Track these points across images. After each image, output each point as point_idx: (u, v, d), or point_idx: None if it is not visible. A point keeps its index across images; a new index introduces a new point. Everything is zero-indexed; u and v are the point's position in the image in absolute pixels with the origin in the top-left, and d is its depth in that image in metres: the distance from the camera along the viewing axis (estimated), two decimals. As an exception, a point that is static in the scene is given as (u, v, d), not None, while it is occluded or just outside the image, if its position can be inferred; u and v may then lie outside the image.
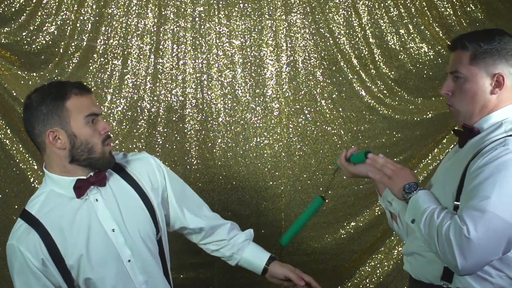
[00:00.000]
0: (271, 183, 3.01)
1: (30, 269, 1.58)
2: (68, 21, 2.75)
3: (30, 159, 2.72)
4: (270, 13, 2.94)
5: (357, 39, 3.02)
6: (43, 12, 2.72)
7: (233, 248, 1.93)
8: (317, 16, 2.98)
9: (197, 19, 2.88)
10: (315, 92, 3.01)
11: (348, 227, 3.13)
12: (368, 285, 3.11)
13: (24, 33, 2.69)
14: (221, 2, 2.90)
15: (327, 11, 2.99)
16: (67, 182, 1.63)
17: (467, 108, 1.59)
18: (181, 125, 2.90)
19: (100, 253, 1.63)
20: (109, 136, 1.65)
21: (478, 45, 1.56)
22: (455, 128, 1.73)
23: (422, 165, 3.08)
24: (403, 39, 3.03)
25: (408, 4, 3.02)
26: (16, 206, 2.73)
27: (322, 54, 3.00)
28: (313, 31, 2.99)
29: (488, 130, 1.58)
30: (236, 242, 1.94)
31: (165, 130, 2.89)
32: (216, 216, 1.98)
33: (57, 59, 2.75)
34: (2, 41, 2.67)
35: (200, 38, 2.89)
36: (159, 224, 1.79)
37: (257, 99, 2.96)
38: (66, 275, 1.61)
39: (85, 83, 1.69)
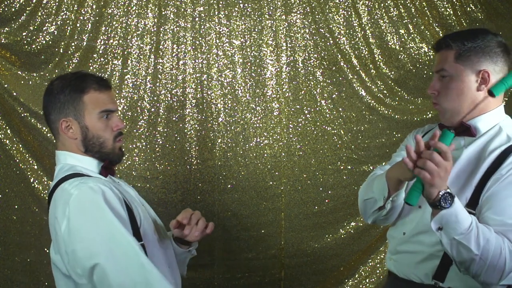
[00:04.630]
0: (271, 183, 3.01)
1: (119, 203, 1.52)
2: (68, 21, 2.75)
3: (30, 159, 2.72)
4: (270, 13, 2.94)
5: (357, 39, 3.02)
6: (43, 12, 2.72)
7: None
8: (317, 16, 2.98)
9: (197, 19, 2.88)
10: (315, 92, 3.01)
11: (348, 227, 3.13)
12: (368, 285, 3.11)
13: (24, 33, 2.69)
14: (221, 2, 2.90)
15: (327, 11, 2.99)
16: (94, 162, 1.65)
17: (453, 105, 1.61)
18: (181, 125, 2.90)
19: (142, 218, 1.65)
20: (121, 133, 1.68)
21: (462, 43, 1.58)
22: (441, 123, 1.72)
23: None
24: (403, 39, 3.03)
25: (408, 4, 3.02)
26: (16, 206, 2.73)
27: (322, 54, 3.00)
28: (313, 31, 2.99)
29: (488, 134, 1.60)
30: None
31: (165, 130, 2.89)
32: None
33: (57, 59, 2.75)
34: (2, 41, 2.67)
35: (200, 38, 2.89)
36: None
37: (257, 99, 2.96)
38: (135, 225, 1.58)
39: (106, 78, 1.72)
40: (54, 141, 2.71)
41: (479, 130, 1.61)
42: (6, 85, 2.67)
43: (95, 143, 1.62)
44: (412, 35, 3.03)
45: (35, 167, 2.73)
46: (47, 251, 2.72)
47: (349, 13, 3.00)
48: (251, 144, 2.97)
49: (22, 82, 2.71)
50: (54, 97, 1.62)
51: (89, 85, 1.62)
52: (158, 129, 2.88)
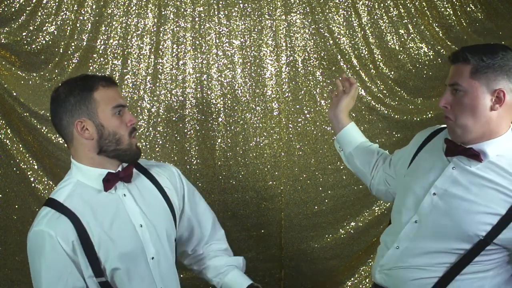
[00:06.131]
0: (270, 183, 3.01)
1: (59, 254, 1.55)
2: (68, 21, 2.75)
3: (30, 159, 2.72)
4: (270, 13, 2.94)
5: (357, 39, 3.02)
6: (43, 12, 2.72)
7: (215, 271, 1.91)
8: (317, 16, 2.98)
9: (197, 19, 2.88)
10: (314, 92, 3.01)
11: (348, 227, 3.13)
12: (368, 285, 3.12)
13: (24, 33, 2.69)
14: (221, 2, 2.90)
15: (327, 11, 2.99)
16: (96, 174, 1.64)
17: (466, 122, 1.55)
18: (181, 125, 2.90)
19: (127, 245, 1.63)
20: (135, 129, 1.68)
21: (480, 59, 1.52)
22: (447, 138, 1.69)
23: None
24: (403, 39, 3.04)
25: (408, 4, 3.02)
26: (16, 206, 2.73)
27: (322, 54, 3.00)
28: (313, 31, 2.99)
29: (504, 159, 1.56)
30: (218, 264, 1.91)
31: (165, 130, 2.89)
32: (220, 239, 1.99)
33: (57, 59, 2.75)
34: (2, 41, 2.67)
35: (200, 38, 2.89)
36: (177, 227, 1.83)
37: (257, 99, 2.96)
38: (94, 262, 1.59)
39: (110, 76, 1.74)
40: (54, 141, 2.73)
41: (487, 155, 1.57)
42: (6, 85, 2.67)
43: (111, 141, 1.62)
44: (412, 35, 3.03)
45: (35, 167, 2.74)
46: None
47: (349, 13, 3.00)
48: (251, 144, 2.98)
49: (22, 82, 2.71)
50: (64, 102, 1.61)
51: (96, 82, 1.62)
52: (158, 129, 2.89)
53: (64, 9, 2.74)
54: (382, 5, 3.01)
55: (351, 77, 2.09)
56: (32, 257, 1.59)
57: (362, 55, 3.03)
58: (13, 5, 2.68)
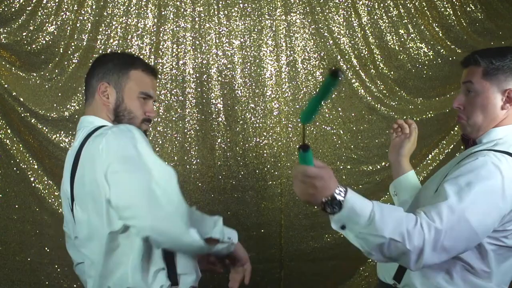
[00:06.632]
0: (270, 182, 3.01)
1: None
2: (68, 21, 2.75)
3: (30, 159, 2.73)
4: (270, 13, 2.94)
5: (357, 39, 3.02)
6: (43, 12, 2.72)
7: None
8: (317, 16, 2.98)
9: (197, 19, 2.88)
10: (314, 92, 3.01)
11: (348, 227, 3.12)
12: (368, 285, 3.12)
13: (24, 33, 2.70)
14: (221, 2, 2.90)
15: (327, 11, 2.99)
16: None
17: (476, 121, 1.63)
18: (181, 125, 2.90)
19: None
20: (149, 120, 1.72)
21: (490, 61, 1.60)
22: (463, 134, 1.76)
23: (422, 165, 3.08)
24: (402, 39, 3.03)
25: (408, 4, 3.02)
26: (16, 206, 2.74)
27: (322, 54, 3.00)
28: (313, 31, 2.99)
29: (482, 145, 1.61)
30: None
31: (165, 130, 2.90)
32: None
33: (57, 59, 2.75)
34: (2, 41, 2.68)
35: (200, 38, 2.89)
36: None
37: (256, 99, 2.97)
38: None
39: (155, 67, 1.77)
40: (54, 141, 2.73)
41: (481, 143, 1.63)
42: (6, 85, 2.67)
43: (125, 116, 1.66)
44: (412, 35, 3.03)
45: (35, 166, 2.74)
46: (48, 250, 2.73)
47: (349, 13, 3.00)
48: (251, 144, 2.98)
49: (22, 82, 2.72)
50: (104, 63, 1.69)
51: (139, 63, 1.70)
52: (158, 129, 2.89)
53: (64, 9, 2.74)
54: (382, 5, 3.01)
55: (408, 119, 1.99)
56: (132, 147, 1.45)
57: (362, 55, 3.03)
58: (13, 5, 2.69)
